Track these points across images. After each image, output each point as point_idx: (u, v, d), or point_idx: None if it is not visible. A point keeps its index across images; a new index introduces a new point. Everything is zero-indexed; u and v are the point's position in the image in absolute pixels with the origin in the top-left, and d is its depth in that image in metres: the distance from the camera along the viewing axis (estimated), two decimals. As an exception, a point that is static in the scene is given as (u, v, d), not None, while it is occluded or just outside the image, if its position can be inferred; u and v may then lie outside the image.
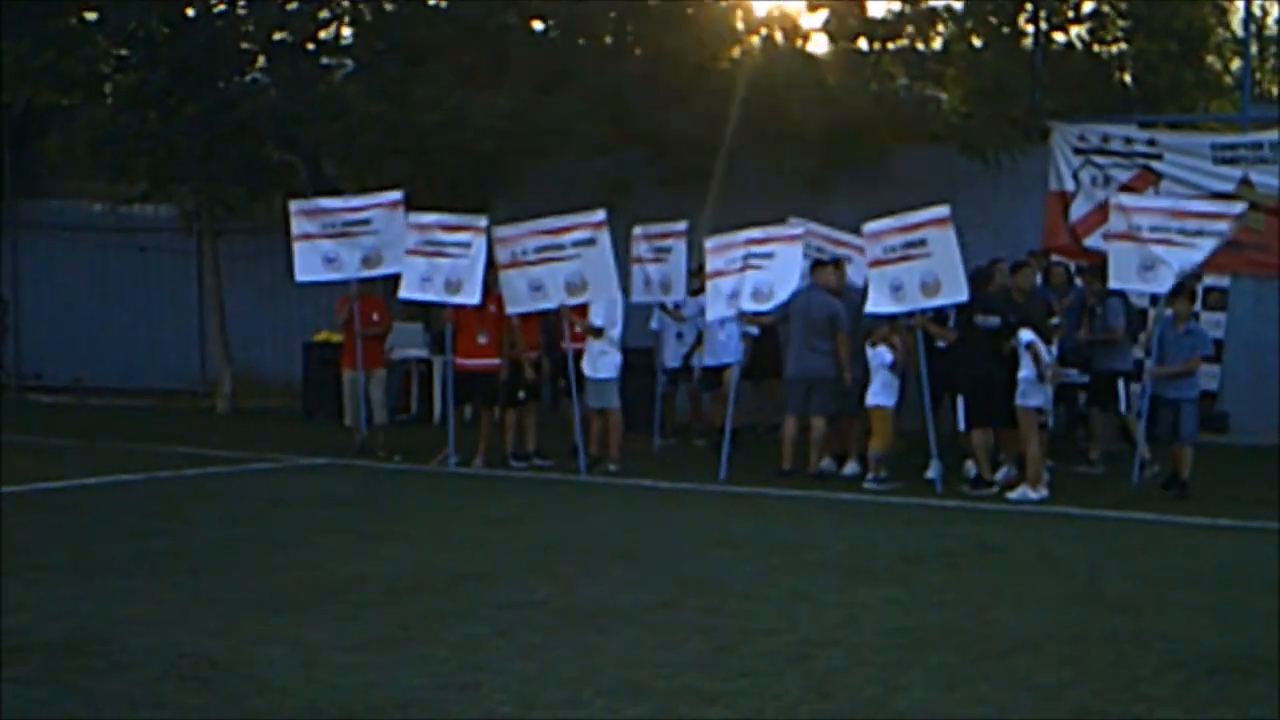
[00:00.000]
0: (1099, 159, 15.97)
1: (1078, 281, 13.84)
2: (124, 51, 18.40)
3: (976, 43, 18.15)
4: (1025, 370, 11.28)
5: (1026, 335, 11.27)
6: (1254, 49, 18.37)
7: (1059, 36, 19.16)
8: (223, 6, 18.17)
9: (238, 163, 17.72)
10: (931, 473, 11.90)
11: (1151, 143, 15.87)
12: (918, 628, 6.90)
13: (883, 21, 16.39)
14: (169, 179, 18.46)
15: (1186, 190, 15.11)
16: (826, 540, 9.52)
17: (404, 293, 13.40)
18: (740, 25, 16.82)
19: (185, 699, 5.64)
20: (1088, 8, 19.30)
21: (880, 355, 11.99)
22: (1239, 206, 13.03)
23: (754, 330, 13.61)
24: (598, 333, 12.88)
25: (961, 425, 11.93)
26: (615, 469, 12.75)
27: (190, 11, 17.61)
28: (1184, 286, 12.06)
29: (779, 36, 16.35)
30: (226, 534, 9.66)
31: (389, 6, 18.24)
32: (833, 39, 16.38)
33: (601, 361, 12.92)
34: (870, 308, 12.09)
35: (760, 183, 15.97)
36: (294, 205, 14.01)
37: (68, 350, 21.24)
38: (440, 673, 6.00)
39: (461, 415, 13.70)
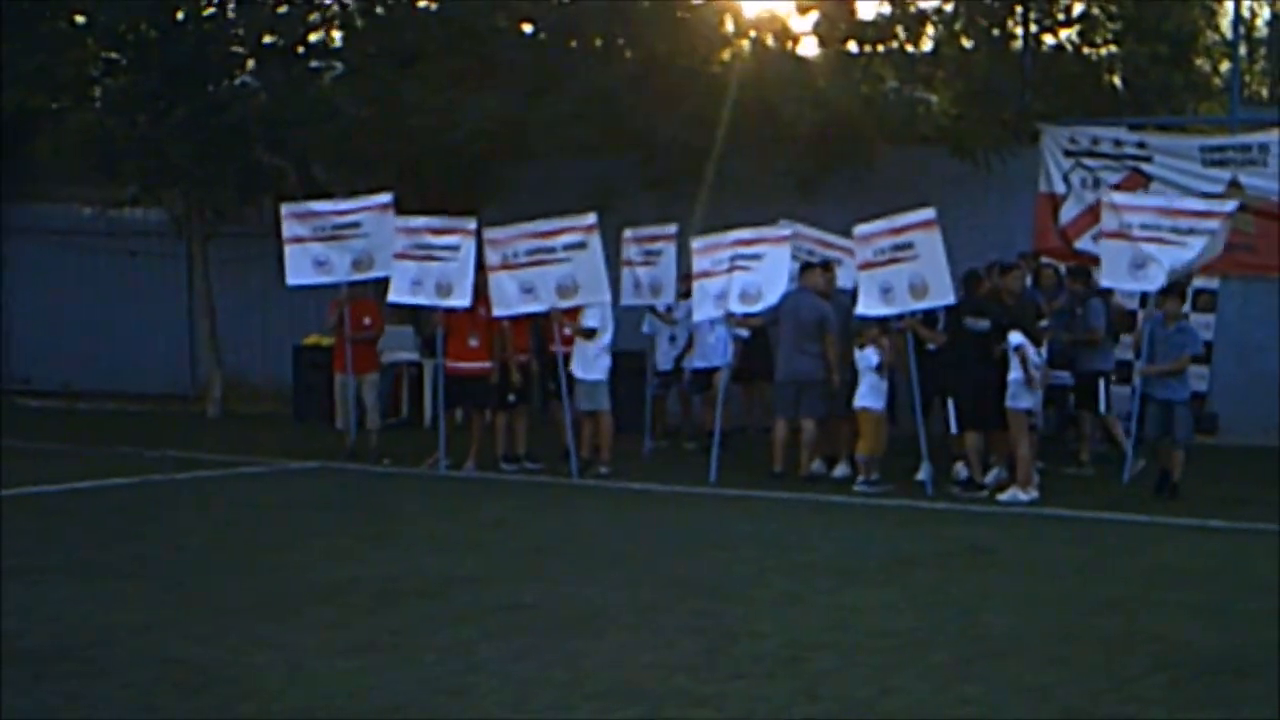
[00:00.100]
0: (1089, 161, 15.98)
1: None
2: (113, 55, 18.38)
3: (966, 45, 18.12)
4: (1015, 372, 11.30)
5: (1015, 338, 11.28)
6: (1243, 51, 18.48)
7: (1049, 39, 19.16)
8: (212, 10, 18.14)
9: (227, 166, 17.67)
10: (922, 475, 11.91)
11: (1141, 145, 15.88)
12: (909, 629, 6.91)
13: (873, 24, 16.36)
14: (159, 183, 18.38)
15: (1176, 192, 15.13)
16: (817, 542, 9.53)
17: (394, 296, 13.39)
18: (730, 28, 16.78)
19: (176, 704, 5.64)
20: (1077, 10, 19.31)
21: (867, 357, 11.98)
22: (1231, 204, 13.07)
23: (744, 333, 13.63)
24: (590, 334, 12.87)
25: (953, 428, 11.95)
26: (606, 472, 12.74)
27: (180, 15, 17.56)
28: (1174, 286, 12.09)
29: (769, 39, 16.32)
30: (217, 538, 9.65)
31: (379, 10, 18.22)
32: (823, 41, 16.34)
33: (592, 363, 12.91)
34: (860, 310, 12.10)
35: (751, 185, 15.95)
36: (285, 208, 14.00)
37: (57, 354, 21.14)
38: (431, 676, 6.00)
39: (453, 418, 13.70)
